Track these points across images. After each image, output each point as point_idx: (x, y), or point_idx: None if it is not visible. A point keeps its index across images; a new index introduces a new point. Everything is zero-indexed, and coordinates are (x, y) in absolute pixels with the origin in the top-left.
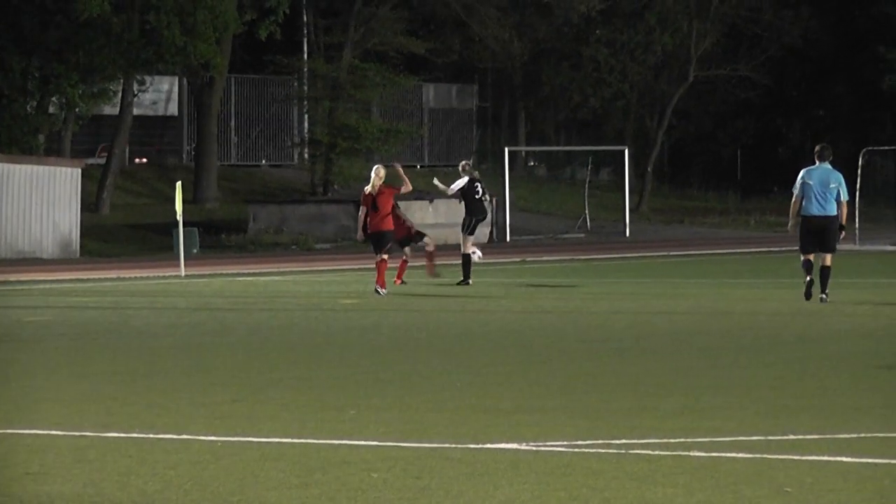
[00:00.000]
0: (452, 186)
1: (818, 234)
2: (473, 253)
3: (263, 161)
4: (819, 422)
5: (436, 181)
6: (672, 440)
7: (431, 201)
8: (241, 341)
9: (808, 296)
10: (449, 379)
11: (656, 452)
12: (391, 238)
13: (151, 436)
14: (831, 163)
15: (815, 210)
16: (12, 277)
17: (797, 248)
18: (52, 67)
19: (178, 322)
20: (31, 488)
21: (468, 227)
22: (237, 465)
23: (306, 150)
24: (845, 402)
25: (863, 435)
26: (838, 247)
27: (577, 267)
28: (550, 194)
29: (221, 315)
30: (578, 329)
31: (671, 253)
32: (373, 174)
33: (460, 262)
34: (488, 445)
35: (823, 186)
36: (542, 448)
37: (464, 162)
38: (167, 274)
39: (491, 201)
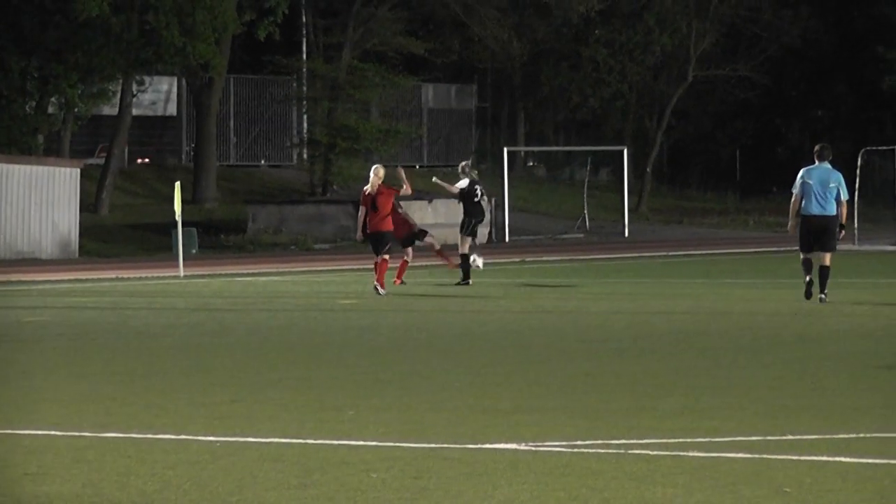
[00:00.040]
0: (456, 186)
1: (818, 233)
2: (474, 262)
3: (262, 161)
4: (818, 422)
5: (436, 180)
6: (671, 440)
7: (431, 201)
8: (240, 341)
9: (808, 295)
10: (448, 379)
11: (655, 452)
12: (391, 239)
13: (150, 436)
14: (831, 162)
15: (814, 210)
16: (11, 277)
17: (797, 248)
18: (51, 67)
19: (176, 322)
20: (30, 489)
21: (467, 229)
22: (236, 466)
23: (305, 150)
24: (844, 402)
25: (862, 435)
26: (838, 247)
27: (577, 267)
28: (549, 194)
29: (220, 315)
30: (577, 329)
31: (670, 253)
32: (372, 174)
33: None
34: (487, 445)
35: (823, 186)
36: (541, 448)
37: (463, 163)
38: (166, 274)
39: (490, 202)
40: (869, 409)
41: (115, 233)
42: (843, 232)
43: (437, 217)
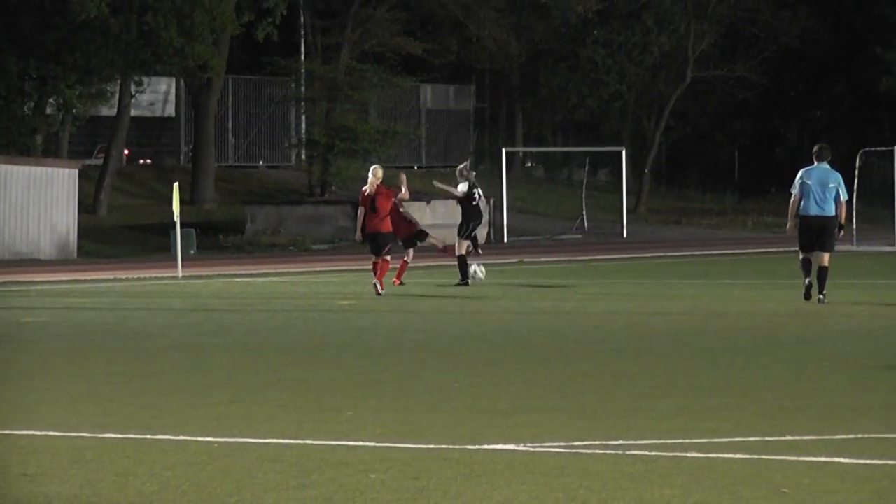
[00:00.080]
0: (458, 189)
1: (816, 233)
2: (475, 275)
3: (261, 162)
4: (816, 423)
5: (437, 183)
6: (669, 441)
7: (429, 202)
8: (239, 342)
9: (807, 297)
10: (446, 380)
11: (653, 453)
12: (391, 239)
13: (148, 437)
14: (830, 163)
15: (813, 210)
16: (10, 278)
17: (795, 248)
18: (49, 68)
19: (175, 323)
20: (28, 489)
21: (465, 232)
22: (234, 466)
23: (304, 151)
24: (843, 402)
25: (860, 436)
26: (836, 247)
27: (575, 268)
28: (548, 195)
29: (219, 316)
30: (576, 330)
31: (668, 254)
32: (370, 174)
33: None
34: (485, 446)
35: (822, 186)
36: (540, 449)
37: (461, 167)
38: (164, 275)
39: (488, 202)
40: (867, 410)
41: (113, 233)
42: (843, 232)
43: (436, 218)
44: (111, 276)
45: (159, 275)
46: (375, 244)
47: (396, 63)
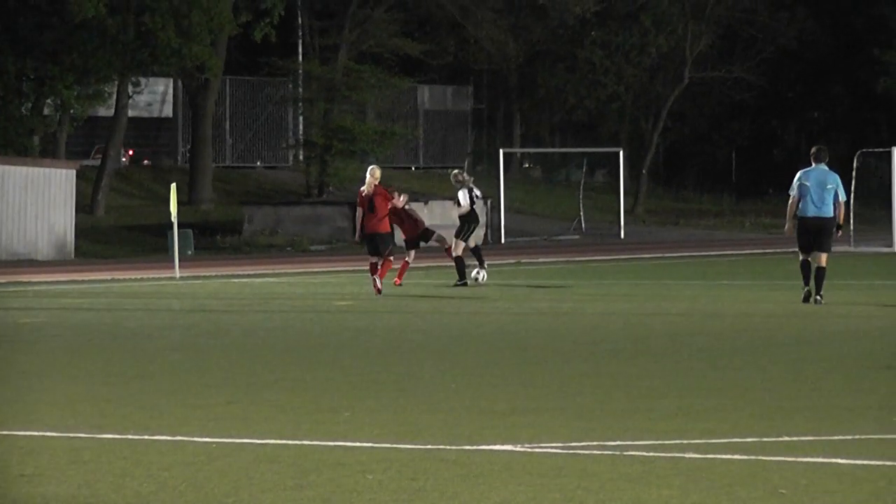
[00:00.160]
0: (462, 202)
1: (815, 234)
2: (476, 280)
3: (258, 163)
4: (814, 423)
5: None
6: (667, 442)
7: (427, 203)
8: (236, 343)
9: (805, 301)
10: (444, 380)
11: (651, 454)
12: (389, 240)
13: (146, 437)
14: (828, 164)
15: (811, 211)
16: (7, 279)
17: (792, 249)
18: (47, 69)
19: (172, 324)
20: (26, 490)
21: (464, 234)
22: (232, 467)
23: (301, 151)
24: (840, 403)
25: (858, 437)
26: (834, 248)
27: (572, 268)
28: (545, 196)
29: (216, 317)
30: (573, 330)
31: (666, 255)
32: (368, 175)
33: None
34: (483, 447)
35: (820, 187)
36: (537, 449)
37: (456, 172)
38: (162, 275)
39: (485, 203)
40: (865, 411)
41: (111, 234)
42: (840, 232)
43: (433, 218)
44: (109, 277)
45: (157, 275)
46: (374, 245)
47: (394, 64)
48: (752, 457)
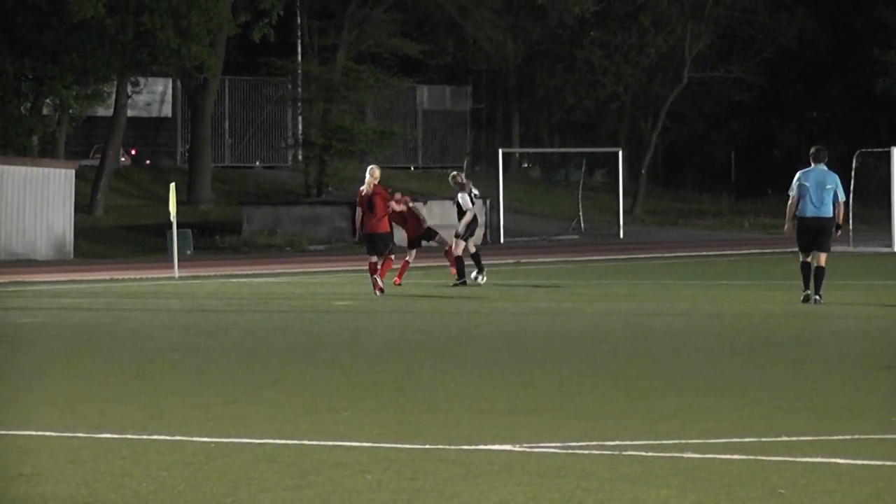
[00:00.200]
0: (466, 208)
1: (814, 234)
2: (476, 281)
3: (257, 163)
4: (813, 423)
5: (461, 229)
6: (666, 442)
7: (426, 203)
8: (235, 343)
9: (805, 302)
10: (443, 380)
11: (650, 454)
12: (389, 240)
13: (145, 437)
14: (827, 164)
15: (810, 211)
16: (6, 279)
17: (790, 250)
18: (46, 69)
19: (171, 323)
20: (25, 490)
21: (463, 234)
22: (231, 467)
23: (300, 151)
24: (839, 403)
25: (857, 436)
26: (833, 248)
27: (571, 269)
28: (544, 196)
29: (215, 317)
30: (572, 330)
31: (665, 255)
32: (367, 174)
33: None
34: (482, 447)
35: (819, 188)
36: (536, 449)
37: (455, 174)
38: (161, 275)
39: (484, 203)
40: (864, 411)
41: (109, 234)
42: (840, 231)
43: (433, 218)
44: (108, 277)
45: (156, 275)
46: (373, 245)
47: (393, 64)
48: (752, 457)
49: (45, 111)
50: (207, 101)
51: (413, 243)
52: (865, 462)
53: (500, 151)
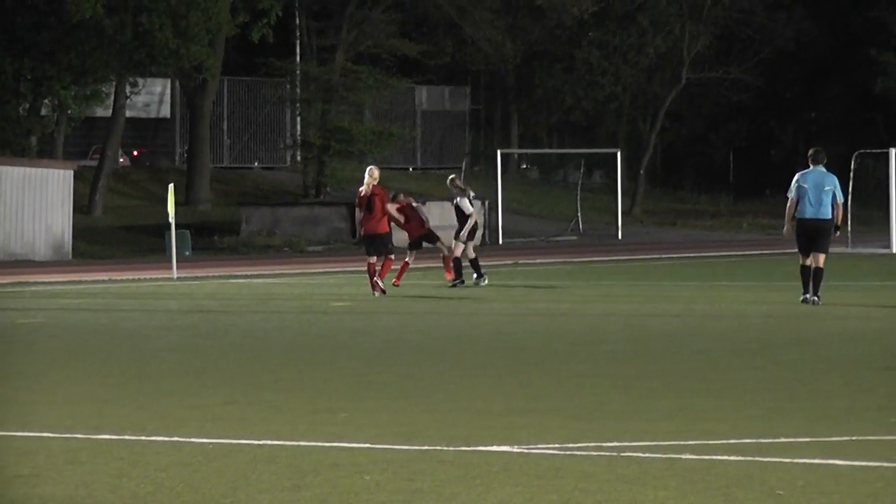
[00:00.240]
0: (468, 212)
1: (812, 235)
2: (478, 283)
3: (256, 163)
4: (811, 425)
5: (463, 234)
6: (664, 443)
7: (424, 203)
8: (233, 344)
9: (804, 303)
10: (441, 381)
11: (648, 455)
12: (388, 240)
13: (143, 438)
14: (825, 166)
15: (809, 213)
16: (4, 279)
17: (789, 251)
18: (44, 69)
19: (170, 324)
20: (23, 490)
21: (463, 239)
22: (229, 468)
23: (299, 152)
24: (837, 404)
25: (855, 438)
26: (831, 249)
27: (570, 269)
28: (543, 197)
29: (213, 317)
30: (571, 331)
31: (663, 255)
32: (367, 174)
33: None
34: (480, 448)
35: (818, 189)
36: (534, 450)
37: (453, 176)
38: (159, 276)
39: (483, 204)
40: (862, 412)
41: (108, 234)
42: (838, 232)
43: (432, 219)
44: (106, 278)
45: (154, 276)
46: (373, 245)
47: (392, 64)
48: (750, 458)
49: (43, 111)
50: (206, 102)
51: (414, 244)
52: (864, 463)
53: (499, 152)
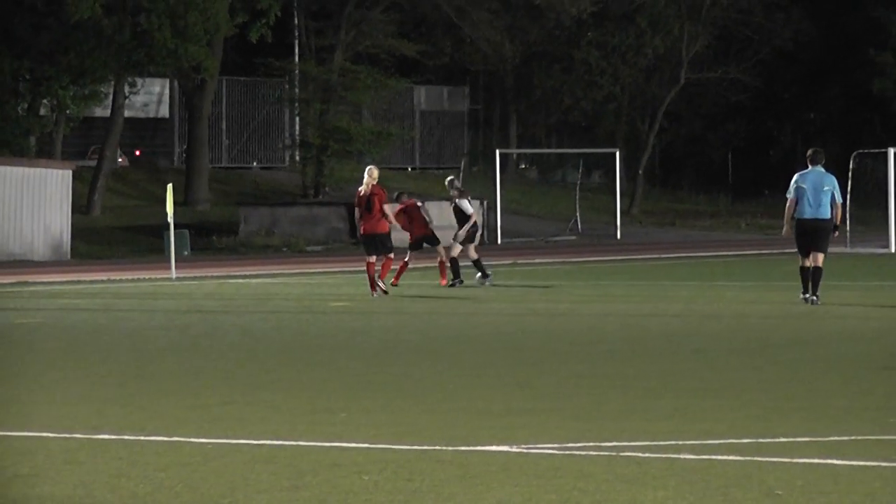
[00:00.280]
0: (469, 213)
1: (811, 235)
2: (484, 282)
3: (254, 163)
4: (810, 424)
5: (460, 234)
6: (663, 443)
7: (422, 203)
8: (232, 343)
9: (805, 302)
10: (440, 381)
11: (647, 455)
12: (387, 240)
13: (142, 438)
14: (824, 166)
15: (808, 213)
16: (3, 279)
17: (788, 251)
18: (43, 69)
19: (168, 324)
20: (22, 490)
21: (464, 240)
22: (228, 468)
23: (297, 152)
24: (836, 404)
25: (854, 437)
26: (830, 249)
27: (569, 269)
28: (541, 197)
29: (212, 317)
30: (569, 331)
31: (662, 255)
32: (366, 174)
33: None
34: (479, 448)
35: (817, 190)
36: (533, 450)
37: (452, 178)
38: (158, 276)
39: (481, 204)
40: (861, 412)
41: (107, 234)
42: (837, 232)
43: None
44: (105, 278)
45: (153, 276)
46: (372, 245)
47: (390, 64)
48: (748, 458)
49: (42, 112)
50: (205, 102)
51: (415, 245)
52: (862, 463)
53: (498, 152)
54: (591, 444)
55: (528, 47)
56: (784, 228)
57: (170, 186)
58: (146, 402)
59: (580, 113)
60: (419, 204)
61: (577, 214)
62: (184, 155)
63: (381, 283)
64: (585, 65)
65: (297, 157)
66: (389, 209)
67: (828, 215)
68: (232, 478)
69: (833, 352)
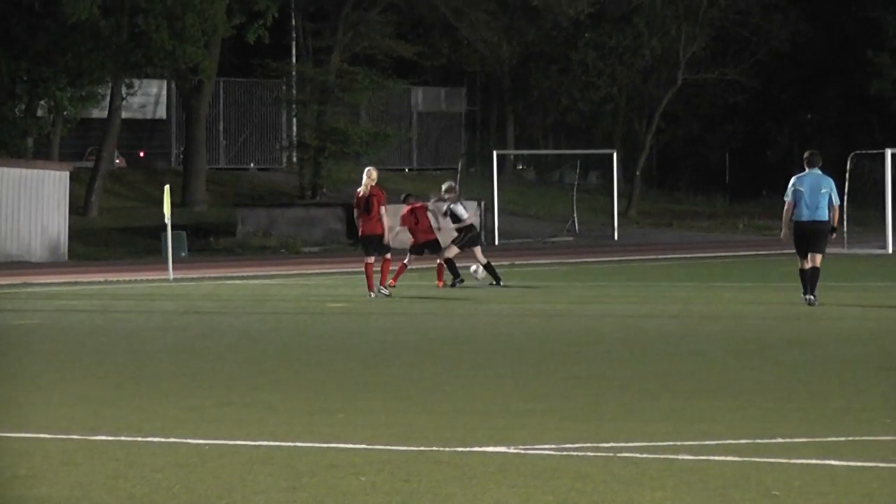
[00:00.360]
0: (463, 217)
1: (809, 237)
2: (475, 273)
3: (252, 164)
4: (807, 425)
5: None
6: (660, 443)
7: (432, 207)
8: (230, 345)
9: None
10: (437, 382)
11: (644, 456)
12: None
13: (139, 439)
14: (821, 168)
15: (806, 216)
16: (0, 281)
17: (784, 251)
18: (40, 71)
19: (166, 325)
20: (19, 492)
21: (460, 241)
22: (225, 469)
23: (295, 153)
24: (833, 405)
25: (851, 438)
26: (828, 250)
27: (566, 270)
28: (539, 198)
29: (209, 318)
30: (567, 332)
31: (659, 256)
32: (364, 175)
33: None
34: (476, 449)
35: (814, 192)
36: (531, 451)
37: (450, 183)
38: (155, 277)
39: (479, 205)
40: (858, 412)
41: (104, 236)
42: (835, 234)
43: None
44: (102, 279)
45: (150, 277)
46: (371, 246)
47: (387, 66)
48: (746, 458)
49: (39, 113)
50: (202, 103)
51: (417, 250)
52: (860, 464)
53: (495, 153)
54: (589, 444)
55: (526, 48)
56: (782, 232)
57: (167, 188)
58: (143, 403)
59: (577, 114)
60: (430, 208)
61: (575, 215)
62: (181, 156)
63: (383, 289)
64: (583, 66)
65: (295, 159)
66: (386, 216)
67: (825, 217)
68: (229, 479)
69: (831, 353)
